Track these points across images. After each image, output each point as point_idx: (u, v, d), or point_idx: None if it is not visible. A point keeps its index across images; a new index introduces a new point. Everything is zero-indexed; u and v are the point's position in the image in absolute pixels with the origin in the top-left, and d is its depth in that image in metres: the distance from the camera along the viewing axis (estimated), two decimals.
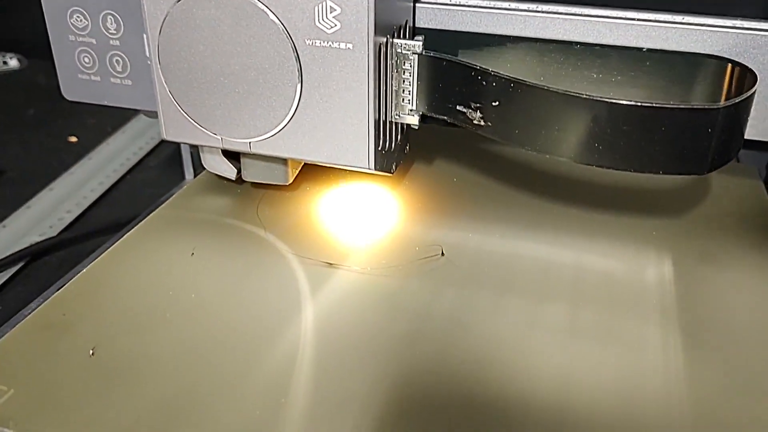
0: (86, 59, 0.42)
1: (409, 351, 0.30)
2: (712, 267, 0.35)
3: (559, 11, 0.35)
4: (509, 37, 0.37)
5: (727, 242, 0.36)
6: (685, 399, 0.27)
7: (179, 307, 0.32)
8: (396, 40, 0.34)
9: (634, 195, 0.41)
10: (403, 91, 0.35)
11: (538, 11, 0.36)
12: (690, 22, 0.34)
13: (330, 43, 0.32)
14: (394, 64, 0.34)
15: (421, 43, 0.34)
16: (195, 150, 0.49)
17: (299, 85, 0.33)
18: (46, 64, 0.81)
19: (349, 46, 0.32)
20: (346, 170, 0.36)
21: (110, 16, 0.41)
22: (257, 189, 0.41)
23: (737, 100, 0.30)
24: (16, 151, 0.64)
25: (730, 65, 0.33)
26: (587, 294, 0.33)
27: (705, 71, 0.34)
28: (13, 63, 0.78)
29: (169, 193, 0.49)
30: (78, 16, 0.41)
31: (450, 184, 0.42)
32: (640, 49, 0.35)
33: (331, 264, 0.35)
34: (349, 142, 0.34)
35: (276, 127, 0.35)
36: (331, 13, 0.32)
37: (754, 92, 0.31)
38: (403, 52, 0.34)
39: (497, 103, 0.32)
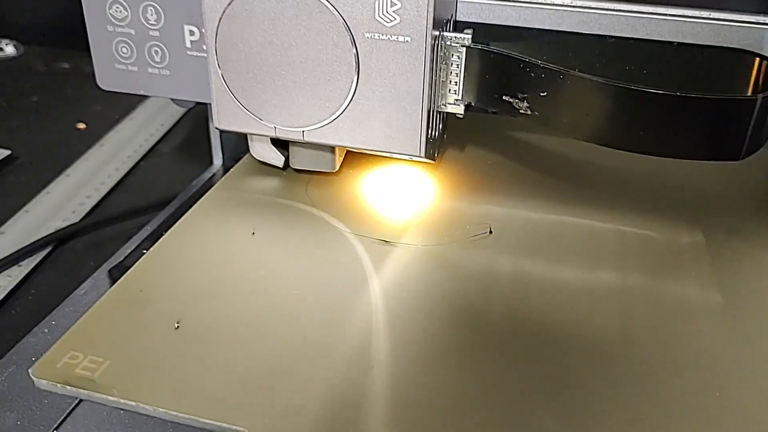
0: (124, 49, 0.43)
1: (478, 316, 0.32)
2: (738, 237, 0.38)
3: (596, 6, 0.38)
4: (545, 30, 0.39)
5: (750, 217, 0.40)
6: (732, 343, 0.31)
7: (250, 281, 0.34)
8: (446, 33, 0.36)
9: (661, 177, 0.44)
10: (450, 81, 0.37)
11: (575, 6, 0.38)
12: (718, 17, 0.36)
13: (389, 36, 0.34)
14: (443, 56, 0.36)
15: (470, 36, 0.36)
16: (225, 136, 0.50)
17: (356, 76, 0.35)
18: (43, 50, 0.82)
19: (407, 39, 0.34)
20: (387, 156, 0.38)
21: (151, 7, 0.41)
22: (302, 172, 0.43)
23: None
24: (24, 137, 0.64)
25: (757, 59, 0.36)
26: (631, 261, 0.36)
27: (733, 64, 0.36)
28: (9, 49, 0.78)
29: (200, 178, 0.50)
30: (117, 7, 0.42)
31: (485, 166, 0.44)
32: (671, 43, 0.37)
33: (387, 241, 0.37)
34: (401, 131, 0.36)
35: (330, 116, 0.36)
36: (391, 7, 0.33)
37: None
38: (453, 44, 0.36)
39: (545, 93, 0.35)
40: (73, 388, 0.27)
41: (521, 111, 0.36)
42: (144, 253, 0.42)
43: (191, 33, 0.41)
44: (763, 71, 0.36)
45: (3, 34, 0.81)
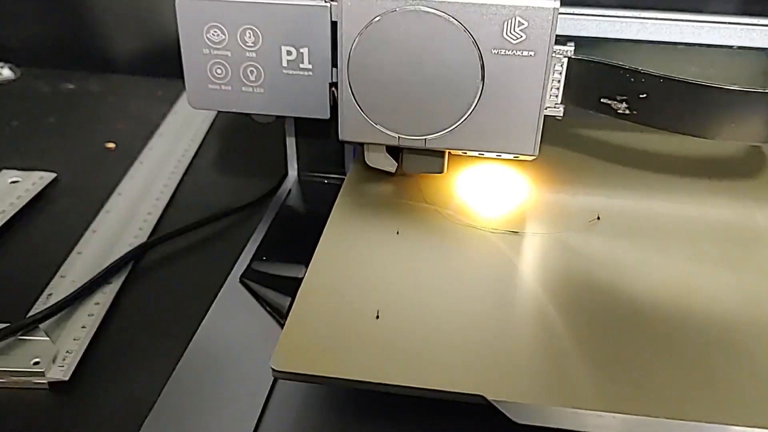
0: (219, 71, 0.46)
1: (612, 289, 0.37)
2: None
3: (666, 17, 0.44)
4: (623, 40, 0.44)
5: None
6: None
7: (418, 274, 0.37)
8: (554, 47, 0.40)
9: (720, 164, 0.50)
10: (553, 88, 0.42)
11: (647, 18, 0.44)
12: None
13: (514, 51, 0.38)
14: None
15: (573, 48, 0.41)
16: (303, 147, 0.53)
17: (480, 88, 0.39)
18: (41, 72, 0.82)
19: (531, 53, 0.38)
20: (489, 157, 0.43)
21: (249, 30, 0.44)
22: (410, 175, 0.46)
23: None
24: (58, 159, 0.65)
25: None
26: (723, 239, 0.42)
27: None
28: (6, 72, 0.77)
29: (283, 189, 0.53)
30: (215, 31, 0.44)
31: (567, 162, 0.49)
32: (730, 47, 0.43)
33: (515, 232, 0.41)
34: (519, 134, 0.40)
35: (453, 125, 0.40)
36: (519, 27, 0.38)
37: None
38: (557, 56, 0.41)
39: (645, 95, 0.40)
40: (317, 374, 0.30)
41: (619, 111, 0.41)
42: (265, 260, 0.45)
43: (288, 53, 0.44)
44: None
45: None
